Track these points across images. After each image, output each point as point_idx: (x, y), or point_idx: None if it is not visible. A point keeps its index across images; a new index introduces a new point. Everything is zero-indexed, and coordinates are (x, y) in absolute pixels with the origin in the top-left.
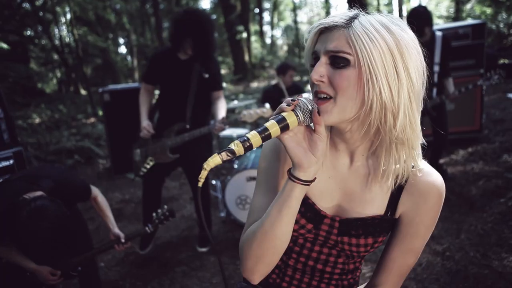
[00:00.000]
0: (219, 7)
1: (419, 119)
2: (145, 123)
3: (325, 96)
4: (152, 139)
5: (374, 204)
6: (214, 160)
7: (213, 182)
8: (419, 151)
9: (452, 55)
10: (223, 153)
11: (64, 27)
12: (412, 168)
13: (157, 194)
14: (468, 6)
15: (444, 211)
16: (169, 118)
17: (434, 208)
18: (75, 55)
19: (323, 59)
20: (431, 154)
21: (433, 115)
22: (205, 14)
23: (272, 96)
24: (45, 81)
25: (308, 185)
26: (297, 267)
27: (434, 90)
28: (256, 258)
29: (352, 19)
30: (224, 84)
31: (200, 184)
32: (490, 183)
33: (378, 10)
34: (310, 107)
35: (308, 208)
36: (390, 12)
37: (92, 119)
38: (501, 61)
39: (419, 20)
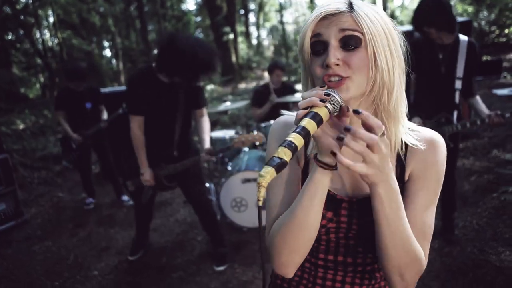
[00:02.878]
0: (204, 9)
1: (404, 92)
2: (147, 174)
3: (340, 77)
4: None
5: None
6: (271, 174)
7: (207, 185)
8: (405, 118)
9: (478, 66)
10: (277, 167)
11: (46, 31)
12: (408, 131)
13: (151, 208)
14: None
15: (437, 207)
16: (155, 145)
17: (439, 159)
18: (59, 59)
19: (334, 43)
20: (441, 209)
21: (450, 146)
22: (211, 50)
23: (262, 96)
24: (28, 86)
25: (336, 169)
26: (328, 266)
27: (455, 114)
28: (291, 251)
29: (351, 4)
30: (212, 86)
31: (260, 203)
32: (482, 179)
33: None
34: (340, 101)
35: None
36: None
37: None
38: (484, 58)
39: (425, 13)
